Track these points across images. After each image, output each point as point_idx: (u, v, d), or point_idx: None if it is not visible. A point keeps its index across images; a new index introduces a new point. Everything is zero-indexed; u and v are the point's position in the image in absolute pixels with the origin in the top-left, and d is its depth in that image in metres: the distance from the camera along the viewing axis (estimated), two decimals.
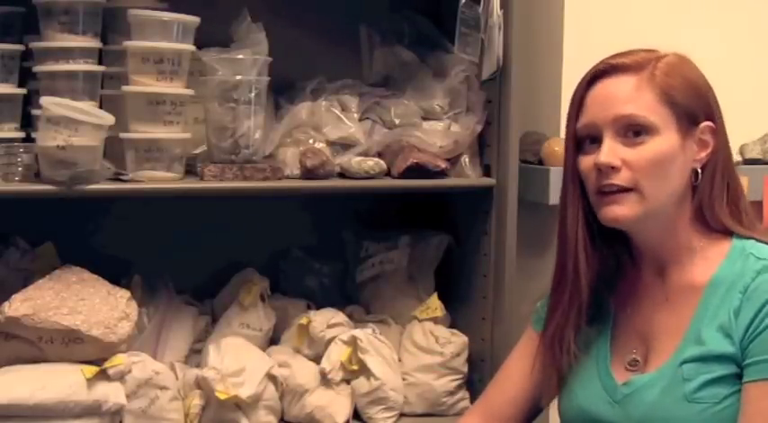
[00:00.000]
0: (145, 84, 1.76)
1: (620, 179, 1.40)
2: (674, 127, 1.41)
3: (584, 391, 1.49)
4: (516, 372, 1.61)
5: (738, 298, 1.37)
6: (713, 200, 1.44)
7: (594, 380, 1.48)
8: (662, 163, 1.40)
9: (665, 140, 1.40)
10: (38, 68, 1.77)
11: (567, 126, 1.48)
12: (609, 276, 1.52)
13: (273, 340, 2.02)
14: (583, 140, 1.46)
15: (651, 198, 1.41)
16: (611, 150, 1.40)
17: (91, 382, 1.70)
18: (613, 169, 1.40)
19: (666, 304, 1.45)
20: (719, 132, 1.45)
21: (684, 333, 1.41)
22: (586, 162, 1.44)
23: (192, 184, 1.83)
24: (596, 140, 1.43)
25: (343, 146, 1.97)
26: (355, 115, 2.00)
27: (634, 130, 1.41)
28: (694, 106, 1.43)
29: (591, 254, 1.47)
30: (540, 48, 2.16)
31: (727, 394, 1.35)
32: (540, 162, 2.10)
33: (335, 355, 1.90)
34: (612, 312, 1.52)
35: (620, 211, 1.41)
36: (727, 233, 1.45)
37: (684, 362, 1.39)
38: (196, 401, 1.79)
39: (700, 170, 1.44)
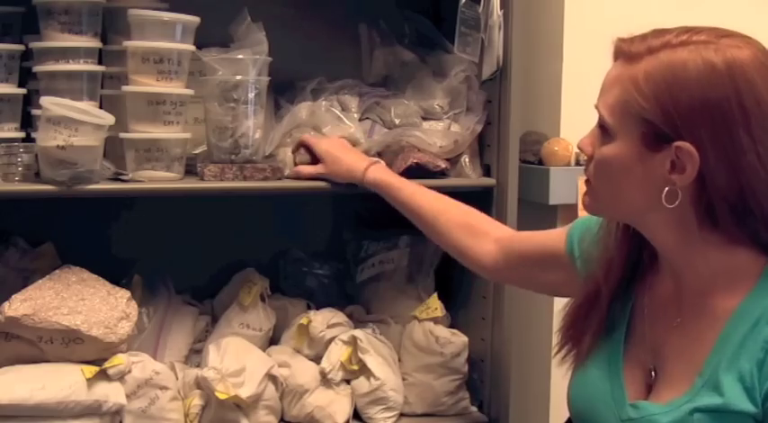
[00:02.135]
0: (145, 84, 1.76)
1: (588, 169, 1.33)
2: (633, 137, 1.23)
3: (596, 392, 1.40)
4: (545, 235, 1.60)
5: (764, 349, 1.21)
6: (719, 224, 1.24)
7: (605, 381, 1.39)
8: (608, 170, 1.27)
9: (618, 148, 1.25)
10: (38, 68, 1.76)
11: None
12: (639, 269, 1.41)
13: (273, 340, 2.02)
14: None
15: (600, 199, 1.32)
16: (589, 136, 1.32)
17: (91, 382, 1.70)
18: (587, 157, 1.32)
19: (681, 327, 1.32)
20: (716, 156, 1.19)
21: (701, 368, 1.26)
22: None
23: (192, 184, 1.82)
24: None
25: None
26: (355, 115, 2.00)
27: (601, 126, 1.28)
28: (660, 121, 1.20)
29: (627, 234, 1.39)
30: (540, 48, 2.16)
31: None
32: (540, 162, 2.11)
33: (335, 355, 1.90)
34: (631, 308, 1.40)
35: (584, 200, 1.35)
36: (764, 253, 1.25)
37: (698, 410, 1.24)
38: (196, 401, 1.79)
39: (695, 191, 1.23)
